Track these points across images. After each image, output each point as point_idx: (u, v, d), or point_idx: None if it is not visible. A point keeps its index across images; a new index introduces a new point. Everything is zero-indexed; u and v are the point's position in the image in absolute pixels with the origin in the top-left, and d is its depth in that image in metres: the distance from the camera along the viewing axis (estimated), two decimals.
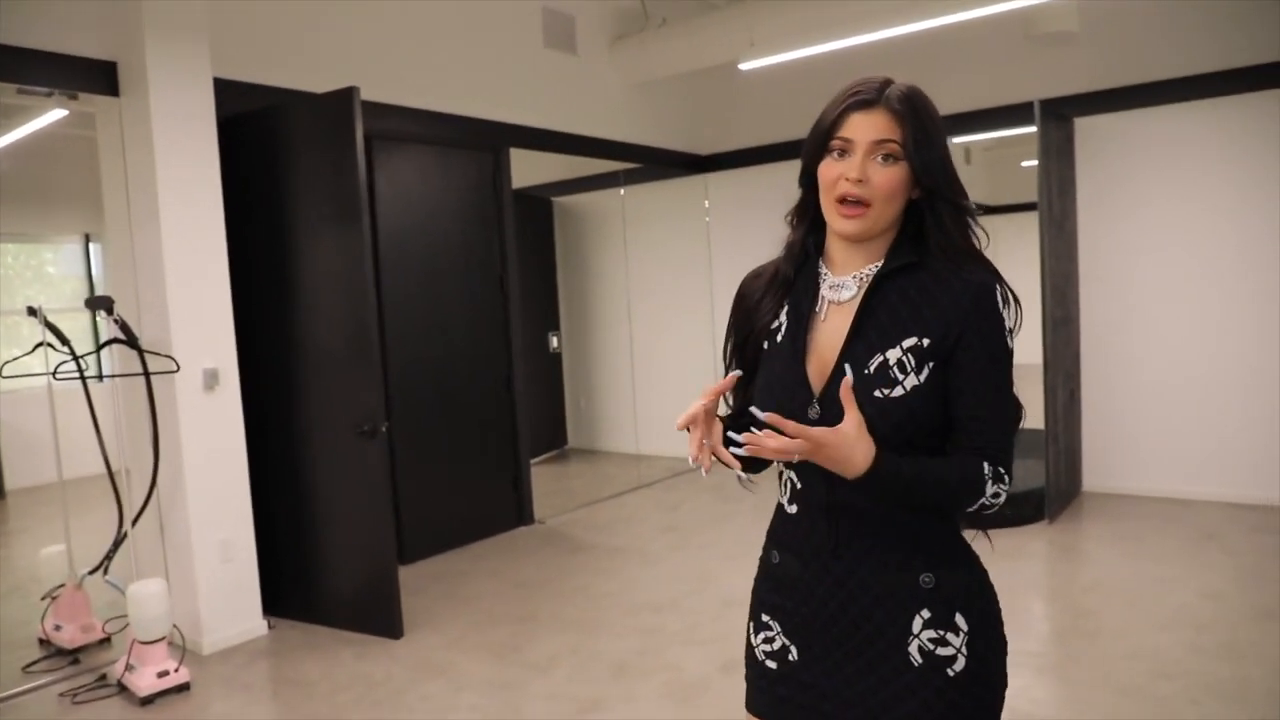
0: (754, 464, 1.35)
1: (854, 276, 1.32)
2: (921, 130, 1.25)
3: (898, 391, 1.24)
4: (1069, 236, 5.37)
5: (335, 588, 4.05)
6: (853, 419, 1.18)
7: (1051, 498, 5.01)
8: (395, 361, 4.87)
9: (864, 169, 1.24)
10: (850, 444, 1.17)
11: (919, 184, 1.27)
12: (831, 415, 1.23)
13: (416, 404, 4.99)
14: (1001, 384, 1.27)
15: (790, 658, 1.36)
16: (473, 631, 3.89)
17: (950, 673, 1.26)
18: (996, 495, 1.24)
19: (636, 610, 4.03)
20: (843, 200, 1.26)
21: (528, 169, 6.11)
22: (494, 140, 5.36)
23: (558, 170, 6.97)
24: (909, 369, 1.24)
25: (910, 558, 1.28)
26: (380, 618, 3.87)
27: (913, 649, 1.27)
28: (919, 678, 1.26)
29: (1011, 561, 4.39)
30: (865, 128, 1.25)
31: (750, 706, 1.44)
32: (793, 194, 1.40)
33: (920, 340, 1.25)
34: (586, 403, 7.70)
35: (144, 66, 3.59)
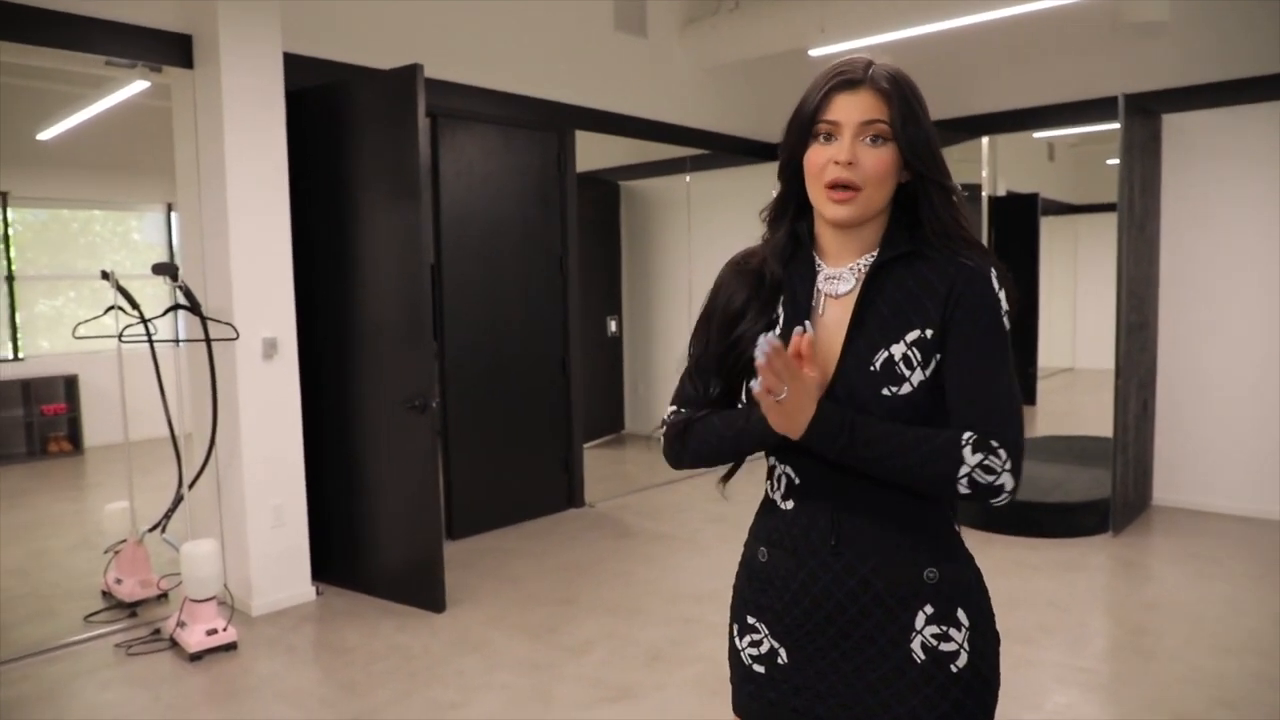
0: (733, 470, 1.44)
1: (850, 268, 1.26)
2: (909, 109, 1.20)
3: (905, 389, 1.19)
4: (1150, 238, 5.13)
5: (382, 559, 4.11)
6: (814, 375, 1.18)
7: (1117, 509, 4.82)
8: (452, 338, 4.92)
9: (853, 151, 1.19)
10: (810, 396, 1.16)
11: (908, 166, 1.22)
12: None
13: (471, 382, 5.04)
14: (998, 366, 1.20)
15: (779, 660, 1.30)
16: (513, 610, 3.92)
17: (954, 669, 1.22)
18: (990, 470, 1.15)
19: (677, 599, 4.01)
20: (833, 186, 1.20)
21: (596, 152, 6.11)
22: (559, 122, 5.35)
23: (625, 154, 6.95)
24: (915, 363, 1.19)
25: (913, 552, 1.23)
26: (423, 591, 3.92)
27: (915, 645, 1.23)
28: (922, 675, 1.22)
29: (1070, 573, 4.24)
30: (852, 108, 1.20)
31: (737, 710, 1.38)
32: None
33: (923, 332, 1.20)
34: (645, 388, 7.68)
35: (216, 39, 3.67)
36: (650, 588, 4.16)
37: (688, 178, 7.06)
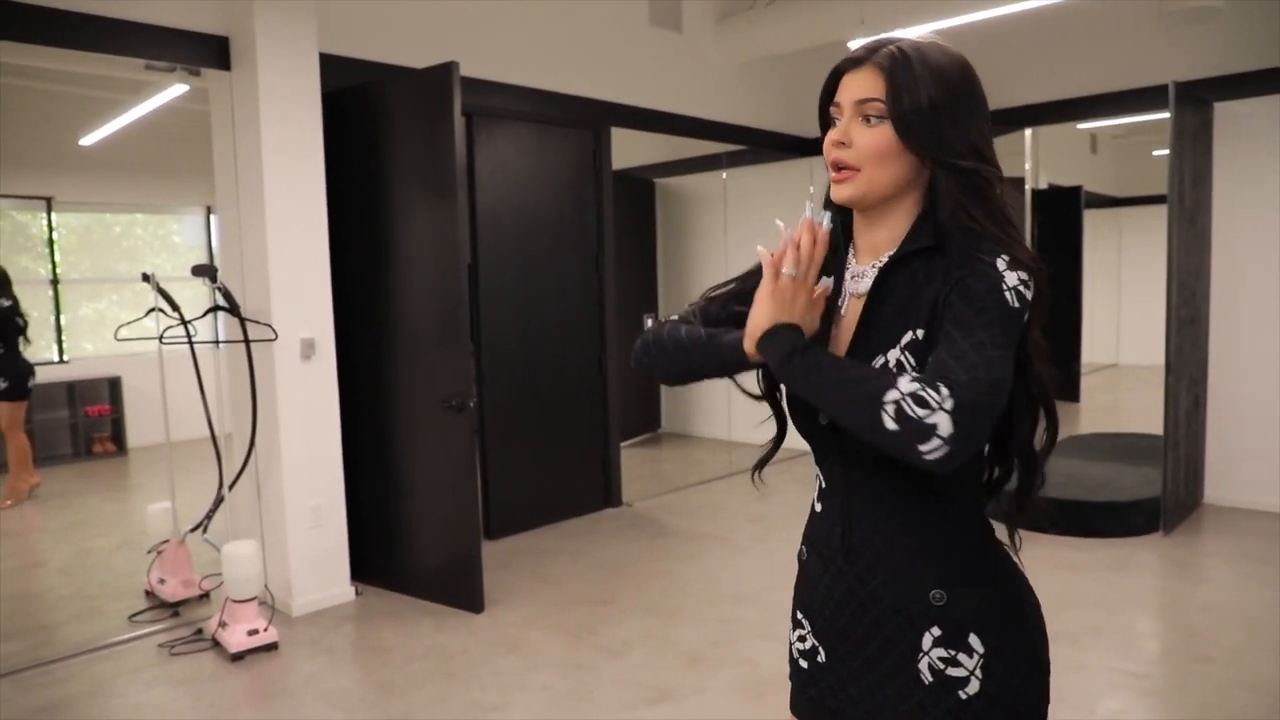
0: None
1: (872, 265, 1.22)
2: (908, 82, 1.13)
3: None
4: (1202, 231, 4.99)
5: (420, 559, 4.11)
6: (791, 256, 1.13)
7: (1168, 508, 4.69)
8: (488, 338, 4.91)
9: (848, 131, 1.17)
10: (801, 302, 1.13)
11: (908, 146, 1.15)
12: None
13: (508, 381, 5.02)
14: (980, 332, 1.05)
15: (819, 659, 1.30)
16: (551, 610, 3.90)
17: (963, 695, 1.16)
18: (923, 403, 0.98)
19: (716, 600, 3.96)
20: (834, 167, 1.18)
21: (631, 149, 6.06)
22: (595, 119, 5.32)
23: (661, 151, 6.91)
24: (908, 369, 1.12)
25: (922, 570, 1.18)
26: (462, 591, 3.91)
27: (923, 666, 1.18)
28: (930, 696, 1.18)
29: (1117, 574, 4.13)
30: (850, 88, 1.17)
31: (791, 706, 1.39)
32: None
33: (915, 333, 1.13)
34: (681, 387, 7.63)
35: (253, 41, 3.68)
36: (689, 588, 4.12)
37: (724, 174, 6.99)
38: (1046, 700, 1.23)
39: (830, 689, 1.28)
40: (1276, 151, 4.90)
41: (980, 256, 1.11)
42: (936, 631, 1.17)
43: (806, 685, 1.33)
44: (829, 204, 1.25)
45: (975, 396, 1.00)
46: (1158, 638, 3.61)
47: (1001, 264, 1.10)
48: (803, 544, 1.34)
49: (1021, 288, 1.09)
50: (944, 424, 0.98)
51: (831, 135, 1.19)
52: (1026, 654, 1.20)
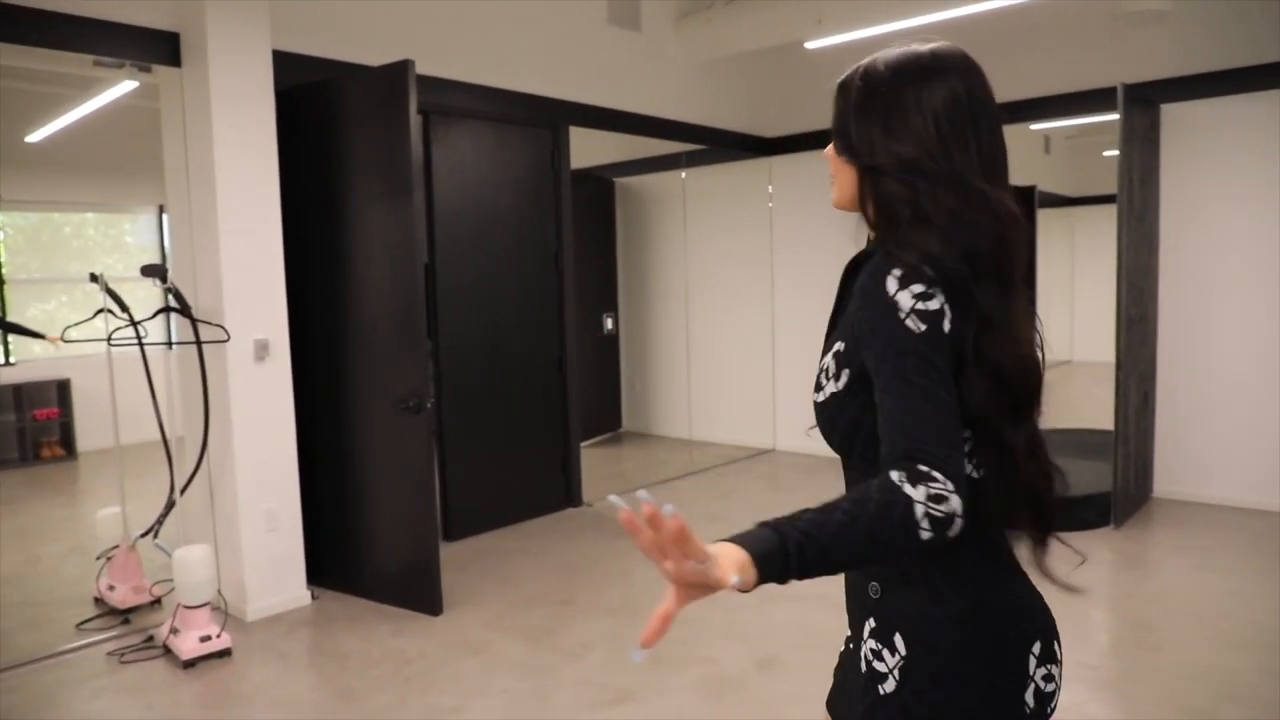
0: None
1: None
2: (843, 98, 1.20)
3: (820, 397, 1.19)
4: (1149, 230, 5.10)
5: (378, 562, 4.07)
6: (647, 538, 0.91)
7: (1118, 503, 4.78)
8: (446, 338, 4.87)
9: (831, 147, 1.25)
10: (722, 562, 0.91)
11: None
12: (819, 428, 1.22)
13: (467, 381, 4.99)
14: (902, 380, 1.04)
15: (850, 645, 1.34)
16: (511, 612, 3.87)
17: (880, 690, 1.17)
18: (940, 499, 0.97)
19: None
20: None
21: (590, 149, 6.05)
22: (553, 118, 5.30)
23: (620, 150, 6.90)
24: (831, 375, 1.17)
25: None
26: (420, 594, 3.88)
27: (864, 651, 1.22)
28: (865, 683, 1.20)
29: (1070, 567, 4.19)
30: None
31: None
32: None
33: (840, 344, 1.17)
34: (642, 386, 7.64)
35: (204, 37, 3.62)
36: (650, 588, 4.12)
37: (683, 174, 7.00)
38: None
39: (843, 669, 1.35)
40: (1220, 153, 5.02)
41: (871, 275, 1.09)
42: (873, 623, 1.20)
43: (836, 671, 1.39)
44: None
45: (951, 458, 1.00)
46: (1109, 630, 3.67)
47: (893, 285, 1.07)
48: None
49: (920, 304, 1.05)
50: (957, 504, 0.98)
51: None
52: (962, 680, 1.14)
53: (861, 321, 1.09)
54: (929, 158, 1.13)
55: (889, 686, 1.16)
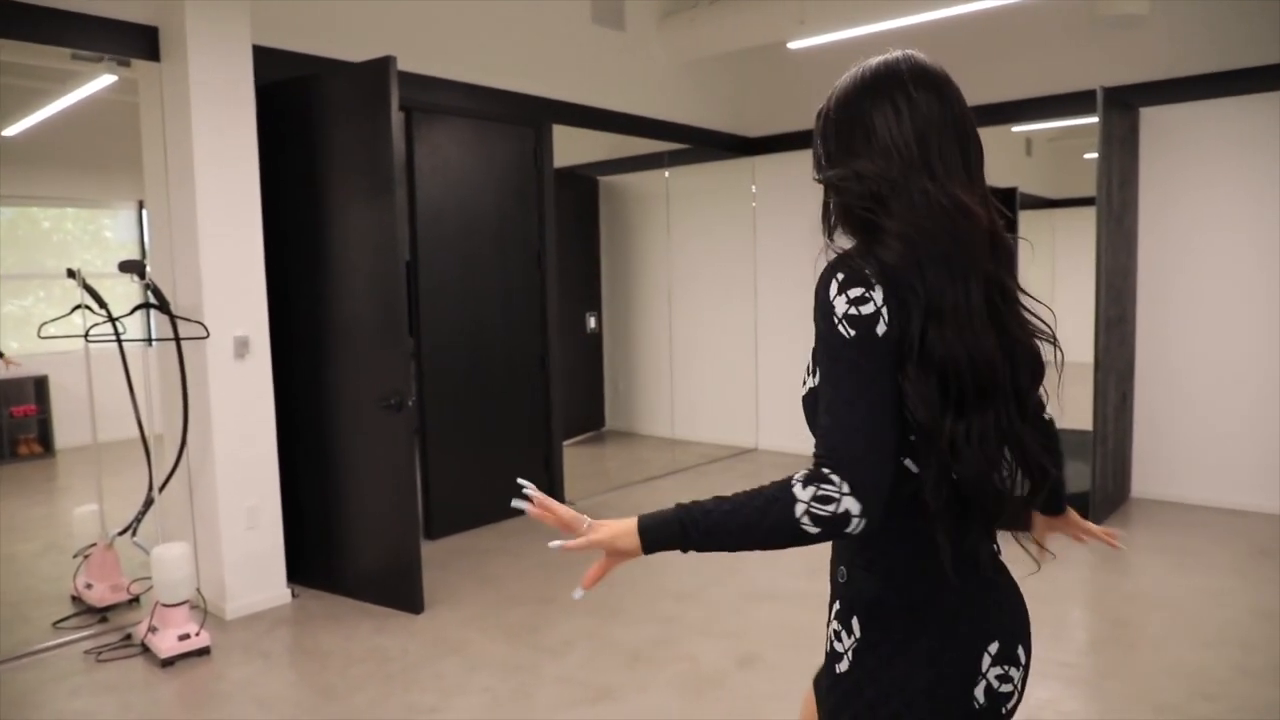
0: None
1: None
2: (818, 123, 1.26)
3: (803, 390, 1.24)
4: (1128, 232, 5.15)
5: (359, 560, 4.05)
6: (562, 513, 1.22)
7: (1096, 503, 4.83)
8: (428, 336, 4.86)
9: None
10: (612, 536, 1.19)
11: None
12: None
13: (449, 380, 4.98)
14: (833, 382, 1.11)
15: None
16: (492, 610, 3.87)
17: (837, 669, 1.26)
18: (826, 500, 1.06)
19: (657, 598, 3.97)
20: None
21: (574, 147, 6.05)
22: (536, 116, 5.30)
23: (604, 149, 6.89)
24: (810, 370, 1.22)
25: (842, 549, 1.29)
26: (401, 592, 3.87)
27: (829, 632, 1.30)
28: (829, 660, 1.29)
29: (1049, 567, 4.19)
30: None
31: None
32: None
33: (812, 348, 1.22)
34: (625, 385, 7.64)
35: (184, 31, 3.59)
36: (630, 587, 4.13)
37: (666, 173, 7.01)
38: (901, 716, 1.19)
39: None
40: (1198, 156, 5.07)
41: (820, 280, 1.14)
42: (837, 605, 1.29)
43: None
44: None
45: (860, 463, 1.07)
46: (1087, 628, 3.71)
47: (833, 289, 1.11)
48: None
49: (854, 309, 1.10)
50: (853, 505, 1.06)
51: None
52: (909, 666, 1.19)
53: (814, 317, 1.15)
54: (887, 169, 1.16)
55: (843, 666, 1.24)
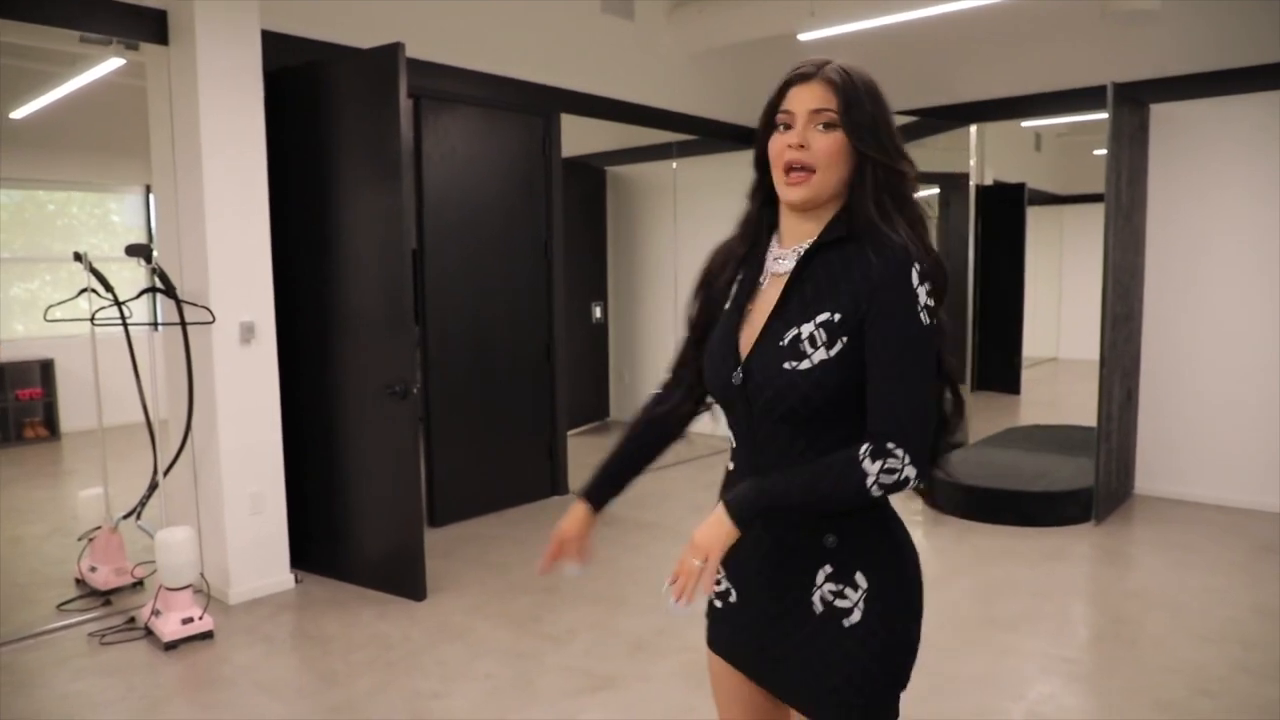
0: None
1: (794, 250, 1.37)
2: (855, 97, 1.30)
3: (805, 365, 1.28)
4: (1136, 229, 5.13)
5: (362, 546, 4.06)
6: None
7: (1100, 499, 4.82)
8: (434, 324, 4.86)
9: (805, 136, 1.31)
10: (711, 532, 1.28)
11: (856, 149, 1.31)
12: (752, 383, 1.32)
13: (454, 367, 4.98)
14: (913, 363, 1.25)
15: (731, 599, 1.47)
16: (495, 598, 3.88)
17: (845, 624, 1.33)
18: (892, 471, 1.22)
19: (660, 588, 3.97)
20: (789, 169, 1.32)
21: (581, 137, 6.03)
22: (545, 105, 5.28)
23: (611, 139, 6.88)
24: (819, 343, 1.28)
25: (819, 521, 1.34)
26: (404, 579, 3.88)
27: (815, 598, 1.35)
28: (819, 626, 1.34)
29: (1052, 562, 4.24)
30: (804, 98, 1.32)
31: (708, 644, 1.55)
32: None
33: (832, 315, 1.28)
34: (630, 375, 7.64)
35: (192, 15, 3.58)
36: (633, 576, 4.14)
37: (674, 164, 6.99)
38: (918, 639, 1.39)
39: (740, 625, 1.45)
40: (1208, 153, 5.05)
41: (890, 255, 1.25)
42: (829, 569, 1.34)
43: (720, 623, 1.50)
44: (753, 197, 1.44)
45: (921, 436, 1.24)
46: (1088, 623, 3.71)
47: (915, 277, 1.25)
48: (719, 499, 1.43)
49: (932, 301, 1.26)
50: (911, 472, 1.23)
51: (789, 139, 1.31)
52: (904, 597, 1.37)
53: (877, 303, 1.25)
54: (911, 165, 1.34)
55: (855, 618, 1.33)
